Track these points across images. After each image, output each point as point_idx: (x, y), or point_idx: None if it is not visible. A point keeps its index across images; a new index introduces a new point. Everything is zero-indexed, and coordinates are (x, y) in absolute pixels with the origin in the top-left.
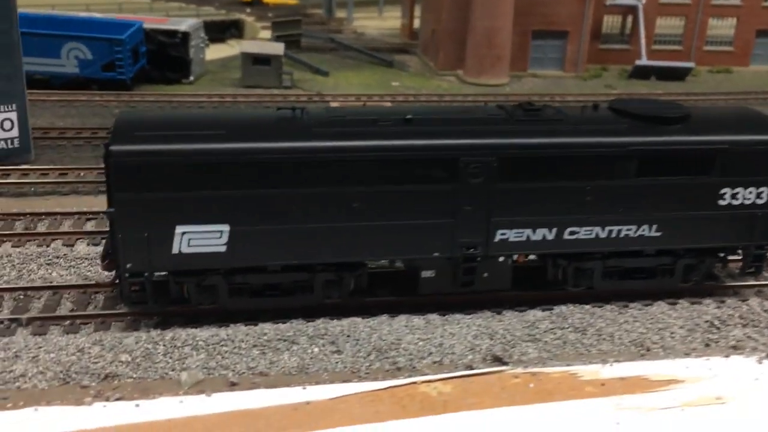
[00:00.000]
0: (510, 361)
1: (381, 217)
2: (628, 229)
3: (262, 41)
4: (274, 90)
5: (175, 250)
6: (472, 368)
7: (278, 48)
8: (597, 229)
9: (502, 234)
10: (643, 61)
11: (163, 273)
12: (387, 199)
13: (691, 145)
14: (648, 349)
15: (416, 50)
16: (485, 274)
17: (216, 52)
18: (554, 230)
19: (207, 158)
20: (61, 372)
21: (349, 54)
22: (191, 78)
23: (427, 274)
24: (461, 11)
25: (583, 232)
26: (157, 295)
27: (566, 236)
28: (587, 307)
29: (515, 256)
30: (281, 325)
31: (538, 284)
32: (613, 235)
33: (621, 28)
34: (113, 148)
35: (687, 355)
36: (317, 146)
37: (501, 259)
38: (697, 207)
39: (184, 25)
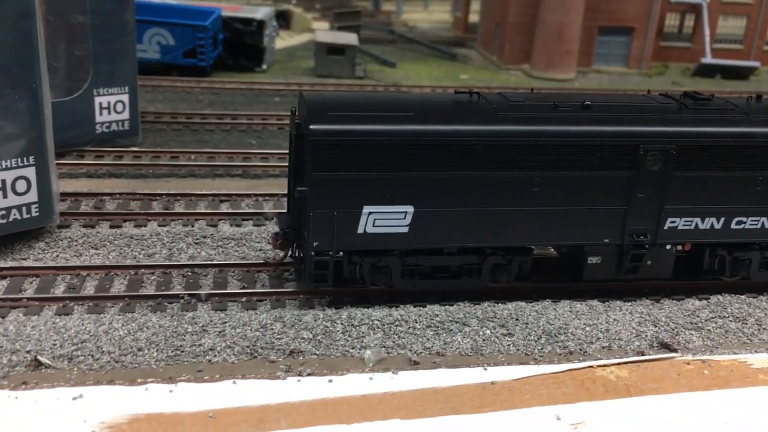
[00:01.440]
0: (679, 347)
1: (558, 202)
2: None
3: (334, 31)
4: (347, 80)
5: (360, 230)
6: (643, 354)
7: (352, 38)
8: (763, 220)
9: (672, 222)
10: (708, 59)
11: (340, 253)
12: (566, 185)
13: None
14: None
15: (473, 44)
16: (649, 262)
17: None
18: (722, 219)
19: (399, 139)
20: (248, 347)
21: (408, 46)
22: (264, 66)
23: (593, 260)
24: (529, 5)
25: (750, 222)
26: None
27: (733, 226)
28: (743, 297)
29: (681, 245)
30: (450, 308)
31: (689, 273)
32: None
33: (679, 26)
34: (313, 126)
35: None
36: (505, 130)
37: (668, 247)
38: None
39: (259, 13)
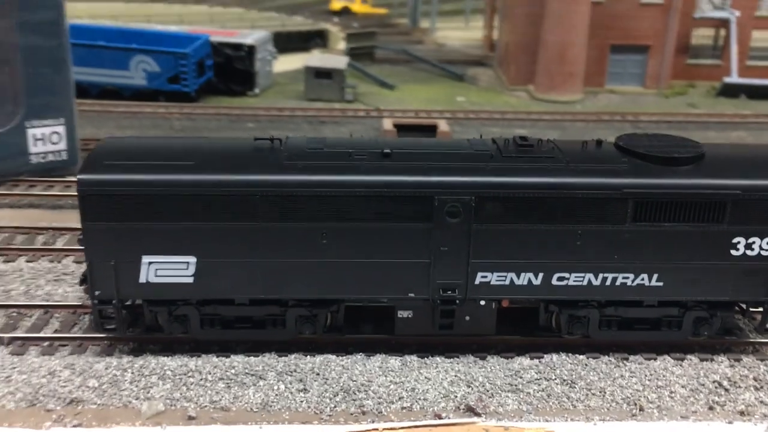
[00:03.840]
0: (484, 412)
1: (352, 255)
2: (624, 278)
3: (327, 54)
4: (335, 104)
5: (142, 279)
6: (440, 417)
7: (341, 61)
8: (590, 276)
9: (483, 277)
10: (733, 78)
11: (138, 301)
12: (358, 236)
13: (697, 189)
14: (641, 409)
15: (493, 63)
16: (467, 318)
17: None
18: (541, 275)
19: (172, 189)
20: (30, 394)
21: (422, 66)
22: (256, 90)
23: (403, 314)
24: (534, 24)
25: (573, 279)
26: (132, 322)
27: (555, 282)
28: (581, 357)
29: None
30: (252, 359)
31: (536, 329)
32: (608, 282)
33: (714, 41)
34: (81, 176)
35: (685, 418)
36: (284, 180)
37: (483, 302)
38: (705, 257)
39: (250, 38)
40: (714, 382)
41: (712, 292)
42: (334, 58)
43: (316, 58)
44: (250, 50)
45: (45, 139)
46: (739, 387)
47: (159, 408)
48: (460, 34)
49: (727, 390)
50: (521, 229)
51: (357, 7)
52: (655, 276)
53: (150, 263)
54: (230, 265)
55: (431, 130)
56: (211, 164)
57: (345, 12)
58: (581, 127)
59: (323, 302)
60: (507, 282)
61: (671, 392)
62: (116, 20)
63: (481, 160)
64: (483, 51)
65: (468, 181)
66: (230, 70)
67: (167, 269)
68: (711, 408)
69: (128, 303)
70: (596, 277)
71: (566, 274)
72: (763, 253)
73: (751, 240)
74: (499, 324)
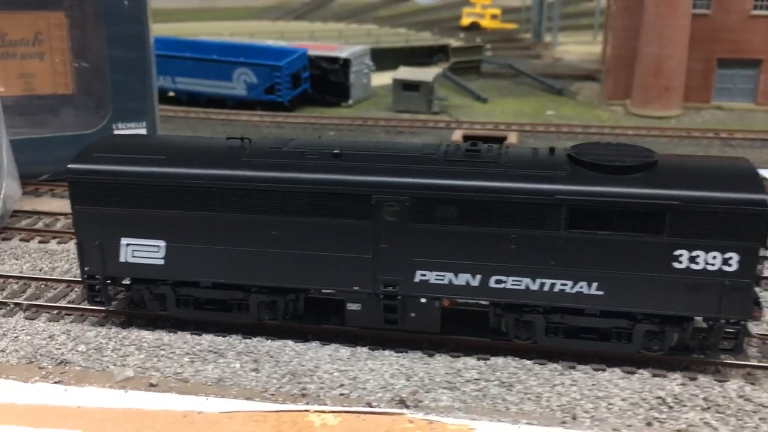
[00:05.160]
0: (414, 405)
1: (300, 247)
2: (563, 284)
3: (417, 68)
4: (421, 115)
5: (122, 259)
6: (371, 406)
7: (428, 75)
8: (527, 281)
9: (423, 275)
10: None
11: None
12: (305, 230)
13: (633, 199)
14: (574, 418)
15: (601, 77)
16: (413, 314)
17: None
18: (478, 277)
19: (144, 180)
20: (30, 352)
21: (525, 80)
22: (350, 101)
23: (353, 307)
24: (632, 38)
25: (511, 282)
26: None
27: (493, 284)
28: (527, 362)
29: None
30: (219, 338)
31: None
32: (546, 288)
33: None
34: (70, 166)
35: (616, 430)
36: (238, 175)
37: (423, 300)
38: (646, 268)
39: (345, 52)
40: (658, 398)
41: (657, 305)
42: (422, 72)
43: (404, 72)
44: (345, 63)
45: None
46: (685, 406)
47: (128, 374)
48: (582, 48)
49: (670, 407)
50: (457, 230)
51: (486, 23)
52: (595, 285)
53: (128, 245)
54: (195, 251)
55: (500, 142)
56: (180, 159)
57: (474, 27)
58: (663, 143)
59: (282, 290)
60: (446, 281)
61: (609, 404)
62: (231, 37)
63: (423, 162)
64: (598, 65)
65: (404, 182)
66: (326, 82)
67: (142, 251)
68: (649, 424)
69: (126, 282)
70: (534, 282)
71: (503, 278)
72: (709, 267)
73: (694, 253)
74: (465, 325)
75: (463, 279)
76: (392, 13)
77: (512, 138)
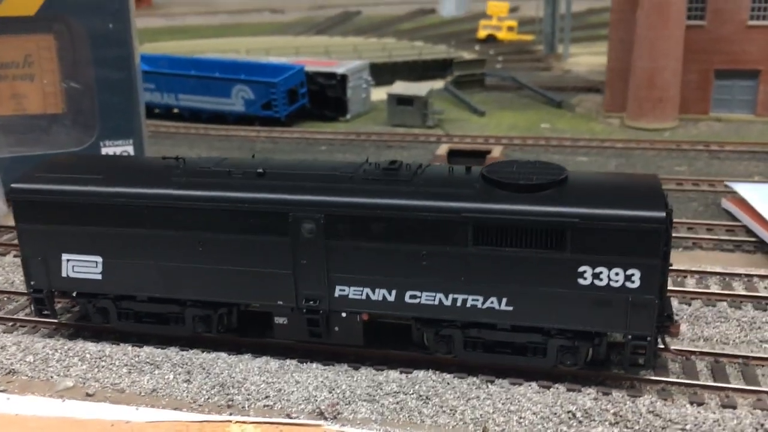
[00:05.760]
0: (331, 417)
1: (224, 262)
2: (474, 300)
3: (411, 83)
4: (415, 129)
5: (64, 273)
6: (291, 417)
7: (422, 89)
8: (440, 296)
9: (342, 290)
10: None
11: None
12: (228, 246)
13: (535, 216)
14: (485, 430)
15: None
16: (336, 328)
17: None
18: (394, 292)
19: (80, 198)
20: None
21: (527, 93)
22: (348, 116)
23: (280, 320)
24: (627, 50)
25: (425, 297)
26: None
27: (407, 300)
28: (447, 376)
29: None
30: (157, 350)
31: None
32: (459, 303)
33: None
34: (13, 185)
35: None
36: (164, 193)
37: (344, 314)
38: (552, 284)
39: (342, 68)
40: (568, 412)
41: (565, 320)
42: (416, 86)
43: (399, 86)
44: (342, 79)
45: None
46: (594, 420)
47: (68, 384)
48: (593, 59)
49: (580, 421)
50: (371, 246)
51: (503, 35)
52: (504, 300)
53: (68, 260)
54: (129, 266)
55: (483, 155)
56: (115, 178)
57: (490, 40)
58: (650, 156)
59: (214, 304)
60: (363, 296)
61: (521, 417)
62: (247, 54)
63: (340, 181)
64: (603, 77)
65: (318, 200)
66: (324, 97)
67: (81, 266)
68: None
69: (75, 295)
70: (446, 297)
71: (417, 293)
72: (613, 283)
73: (597, 269)
74: (390, 339)
75: (380, 294)
76: (413, 26)
77: (496, 152)
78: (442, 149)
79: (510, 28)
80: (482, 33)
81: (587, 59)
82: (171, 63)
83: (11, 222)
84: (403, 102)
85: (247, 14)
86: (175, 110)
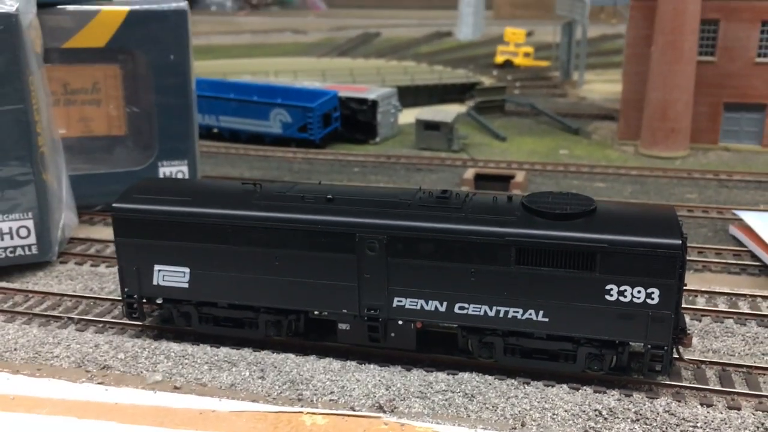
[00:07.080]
0: (389, 410)
1: (298, 275)
2: (515, 312)
3: (439, 108)
4: (442, 153)
5: (155, 282)
6: (354, 410)
7: (448, 115)
8: (485, 308)
9: (399, 301)
10: None
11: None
12: (302, 261)
13: (569, 241)
14: (524, 424)
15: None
16: (392, 334)
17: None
18: (445, 304)
19: (172, 217)
20: (79, 358)
21: (544, 119)
22: (377, 139)
23: (343, 326)
24: (642, 82)
25: (472, 309)
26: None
27: (456, 310)
28: (489, 377)
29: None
30: (233, 351)
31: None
32: (501, 315)
33: None
34: (114, 204)
35: None
36: (247, 215)
37: (400, 322)
38: (584, 299)
39: (373, 94)
40: (595, 410)
41: (594, 331)
42: (443, 112)
43: (426, 112)
44: (373, 105)
45: (171, 175)
46: (617, 417)
47: (157, 378)
48: (607, 87)
49: (605, 419)
50: (426, 264)
51: (519, 60)
52: (541, 312)
53: (159, 270)
54: (213, 276)
55: (507, 180)
56: (202, 200)
57: (507, 65)
58: (663, 183)
59: (285, 311)
60: (418, 307)
61: (554, 414)
62: (276, 76)
63: (399, 207)
64: (618, 105)
65: (382, 223)
66: (355, 121)
67: (170, 276)
68: (585, 431)
69: (159, 301)
70: (491, 309)
71: (465, 305)
72: (635, 300)
73: (622, 288)
74: (438, 345)
75: (432, 305)
76: (432, 50)
77: (519, 177)
78: (469, 173)
79: (526, 54)
80: (500, 58)
81: (601, 87)
82: (211, 86)
83: (82, 234)
84: (431, 127)
85: (270, 34)
86: (215, 130)
